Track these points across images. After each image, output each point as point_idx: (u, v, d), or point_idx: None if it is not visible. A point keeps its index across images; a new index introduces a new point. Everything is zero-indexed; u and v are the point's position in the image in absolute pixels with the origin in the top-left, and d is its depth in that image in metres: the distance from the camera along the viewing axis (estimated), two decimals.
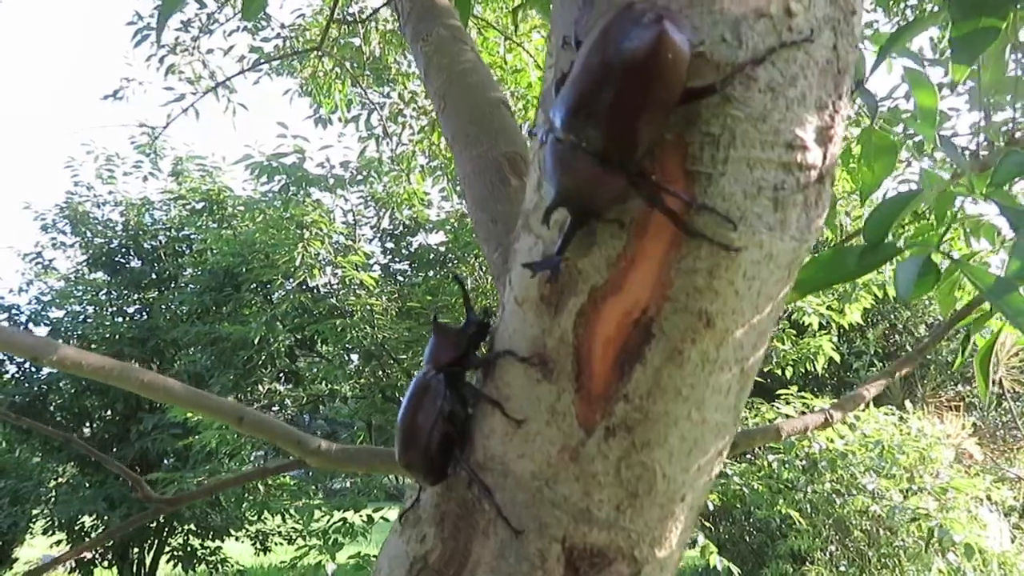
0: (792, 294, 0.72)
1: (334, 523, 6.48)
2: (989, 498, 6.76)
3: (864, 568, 6.46)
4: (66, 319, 8.07)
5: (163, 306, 8.07)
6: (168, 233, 8.36)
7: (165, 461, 7.68)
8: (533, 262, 0.61)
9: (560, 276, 0.61)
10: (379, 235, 8.11)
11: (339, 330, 6.82)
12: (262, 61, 4.60)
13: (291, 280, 7.16)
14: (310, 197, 7.62)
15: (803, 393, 6.55)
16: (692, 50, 0.55)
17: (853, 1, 0.59)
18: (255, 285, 7.37)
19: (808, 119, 0.58)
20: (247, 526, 7.57)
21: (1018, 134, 1.06)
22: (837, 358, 7.17)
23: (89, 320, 8.05)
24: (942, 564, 6.47)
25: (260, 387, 7.61)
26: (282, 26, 5.14)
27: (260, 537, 7.65)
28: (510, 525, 0.67)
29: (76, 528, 7.41)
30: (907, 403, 7.38)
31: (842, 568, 6.42)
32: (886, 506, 6.31)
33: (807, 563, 6.35)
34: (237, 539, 7.63)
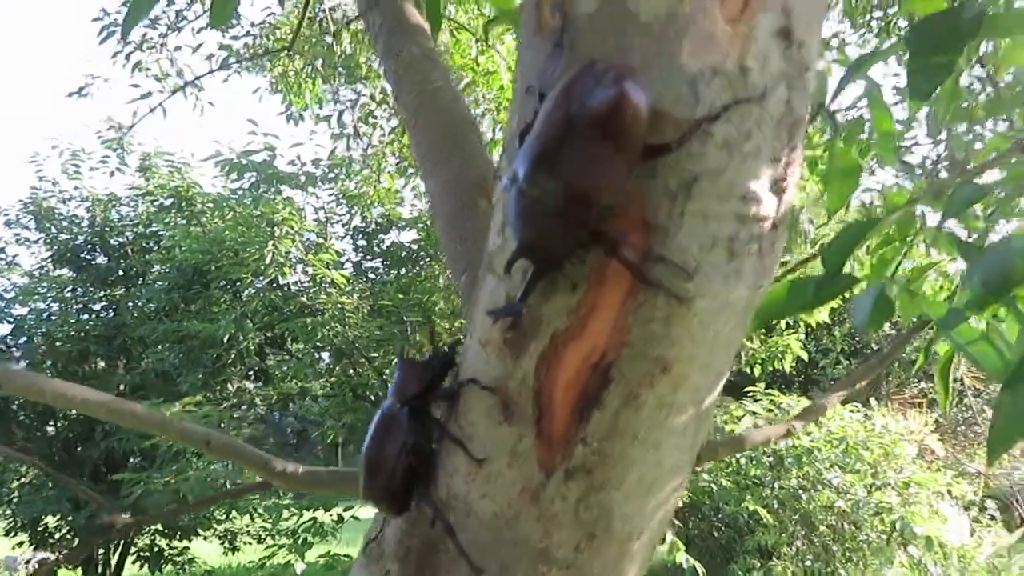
0: (752, 324, 0.74)
1: (304, 522, 6.45)
2: (950, 493, 6.91)
3: (829, 562, 6.57)
4: (30, 316, 7.93)
5: (130, 303, 7.96)
6: (135, 229, 8.24)
7: (131, 460, 7.59)
8: (496, 309, 0.62)
9: (522, 322, 0.62)
10: (350, 233, 8.07)
11: (309, 328, 6.79)
12: (232, 61, 4.55)
13: (261, 278, 7.11)
14: (280, 194, 7.56)
15: (771, 391, 6.64)
16: (651, 107, 0.56)
17: (806, 57, 0.61)
18: (224, 283, 7.30)
19: (762, 172, 0.60)
20: (215, 526, 7.50)
21: (970, 165, 1.09)
22: (805, 356, 7.26)
23: (54, 317, 7.91)
24: (904, 557, 6.60)
25: (229, 385, 7.54)
26: (252, 24, 5.09)
27: (229, 537, 7.59)
28: (471, 563, 0.68)
29: (39, 529, 7.30)
30: (872, 400, 7.50)
31: (808, 562, 6.52)
32: (850, 501, 6.42)
33: (774, 558, 6.44)
34: (205, 539, 7.57)
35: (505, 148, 0.69)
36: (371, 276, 8.14)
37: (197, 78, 4.45)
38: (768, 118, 0.59)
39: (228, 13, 1.62)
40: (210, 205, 7.65)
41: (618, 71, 0.57)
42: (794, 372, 9.24)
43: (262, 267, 6.76)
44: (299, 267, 7.25)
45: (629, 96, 0.55)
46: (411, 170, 5.54)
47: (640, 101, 0.56)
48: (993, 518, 7.35)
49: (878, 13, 4.15)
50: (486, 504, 0.68)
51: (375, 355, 7.25)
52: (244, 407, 7.68)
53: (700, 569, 5.42)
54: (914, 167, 1.29)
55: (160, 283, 7.77)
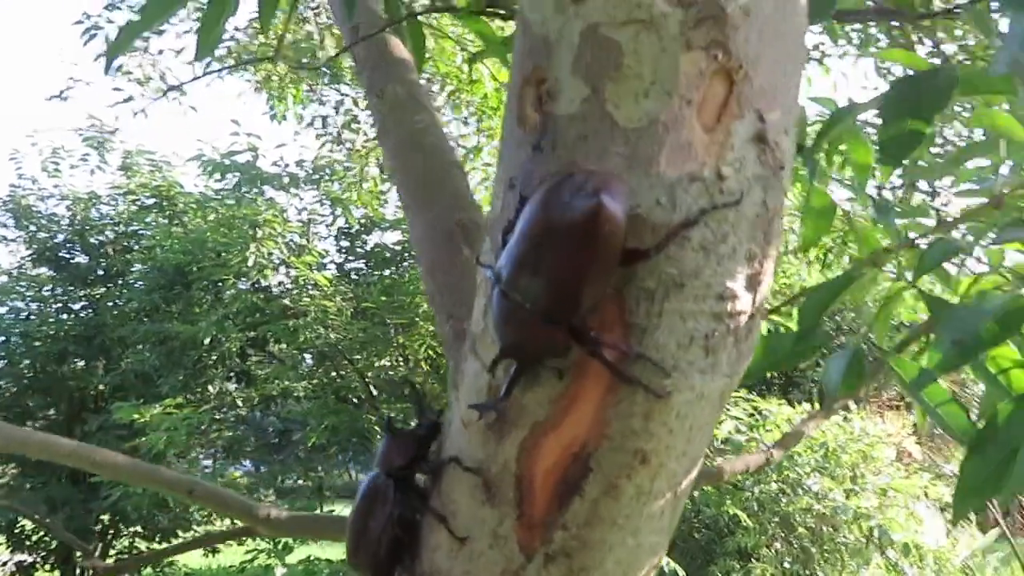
0: None
1: None
2: (926, 495, 7.01)
3: (807, 564, 6.65)
4: (7, 316, 7.85)
5: (110, 303, 7.90)
6: (116, 229, 8.17)
7: None
8: (480, 404, 0.64)
9: (505, 414, 0.63)
10: (334, 234, 8.05)
11: (292, 330, 6.76)
12: (217, 69, 4.54)
13: (243, 279, 7.08)
14: (263, 195, 7.52)
15: (752, 396, 6.69)
16: (629, 212, 0.58)
17: (781, 158, 0.63)
18: (206, 284, 7.25)
19: (738, 271, 0.62)
20: (195, 528, 7.47)
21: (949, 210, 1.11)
22: None
23: (32, 317, 7.84)
24: (881, 559, 6.70)
25: (210, 387, 7.51)
26: (236, 28, 5.06)
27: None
28: None
29: (15, 531, 7.24)
30: (851, 403, 7.57)
31: (787, 564, 6.58)
32: (829, 505, 6.50)
33: (753, 560, 6.50)
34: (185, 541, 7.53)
35: (488, 230, 0.70)
36: (354, 278, 8.12)
37: (181, 84, 4.43)
38: (744, 219, 0.61)
39: (212, 44, 1.62)
40: (192, 205, 7.60)
41: (596, 183, 0.58)
42: (774, 374, 9.31)
43: (244, 268, 6.73)
44: (282, 269, 7.22)
45: (607, 208, 0.57)
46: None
47: (617, 212, 0.57)
48: (969, 520, 7.46)
49: (857, 25, 4.19)
50: None
51: (358, 357, 7.24)
52: (225, 409, 7.65)
53: (680, 572, 5.47)
54: (890, 207, 1.32)
55: (141, 283, 7.72)
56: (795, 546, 6.64)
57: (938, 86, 0.97)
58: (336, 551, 7.25)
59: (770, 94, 0.61)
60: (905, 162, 1.23)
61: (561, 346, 0.60)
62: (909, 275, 1.22)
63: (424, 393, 6.81)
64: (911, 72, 1.14)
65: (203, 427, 6.46)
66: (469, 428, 0.70)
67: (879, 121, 0.98)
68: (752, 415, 6.68)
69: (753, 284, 0.63)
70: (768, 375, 8.47)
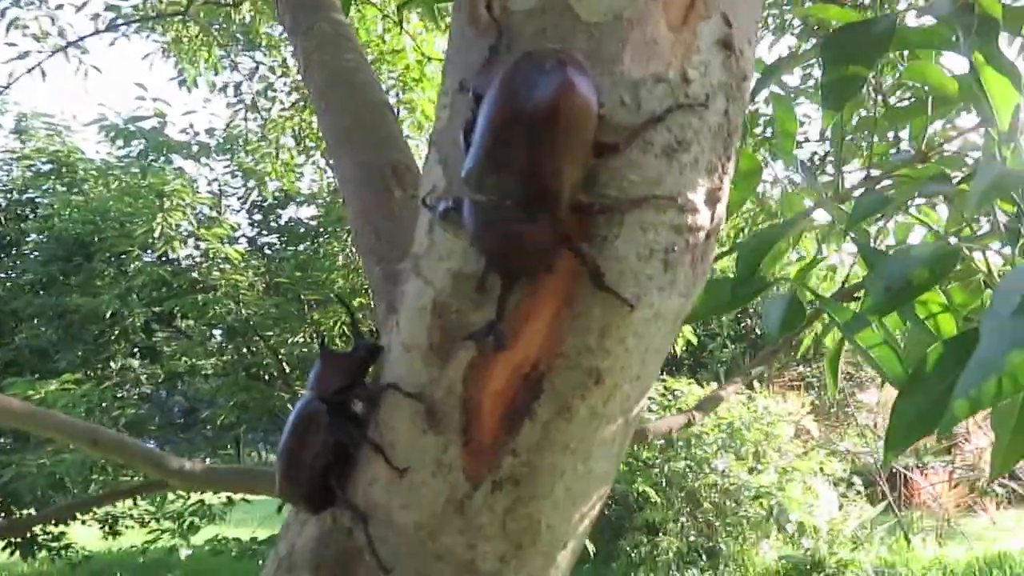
0: None
1: (190, 505, 6.22)
2: (822, 470, 7.35)
3: (711, 537, 6.88)
4: None
5: (3, 274, 7.43)
6: (9, 195, 7.68)
7: (2, 439, 7.11)
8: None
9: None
10: (246, 207, 7.79)
11: (201, 305, 6.53)
12: (120, 23, 4.26)
13: (149, 251, 6.77)
14: (171, 164, 7.21)
15: (663, 376, 6.84)
16: (597, 91, 0.55)
17: (745, 67, 0.61)
18: (108, 255, 6.91)
19: (699, 182, 0.59)
20: (95, 509, 7.12)
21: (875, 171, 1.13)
22: (695, 340, 7.49)
23: None
24: (779, 532, 6.99)
25: (112, 363, 7.17)
26: None
27: (109, 520, 7.22)
28: (379, 560, 0.66)
29: None
30: (755, 383, 7.84)
31: (692, 538, 6.79)
32: (733, 482, 6.73)
33: (660, 534, 6.66)
34: (84, 523, 7.18)
35: (434, 143, 0.66)
36: (267, 252, 7.89)
37: (80, 39, 4.15)
38: (707, 128, 0.59)
39: None
40: (93, 172, 7.20)
41: (558, 57, 0.54)
42: (684, 355, 9.54)
43: (150, 240, 6.44)
44: (191, 241, 6.95)
45: (575, 79, 0.53)
46: (313, 148, 5.37)
47: (586, 83, 0.54)
48: (859, 493, 7.87)
49: (774, 10, 4.27)
50: (408, 515, 0.65)
51: (271, 334, 7.04)
52: (128, 386, 7.33)
53: (590, 546, 5.55)
54: (812, 171, 1.34)
55: (37, 254, 7.28)
56: (700, 520, 6.85)
57: (877, 33, 0.97)
58: (246, 530, 7.07)
59: None
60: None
61: (549, 244, 0.56)
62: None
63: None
64: None
65: (104, 404, 6.15)
66: (411, 352, 0.65)
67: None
68: (664, 394, 6.83)
69: (712, 199, 0.61)
70: (679, 355, 8.69)
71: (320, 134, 5.11)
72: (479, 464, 0.62)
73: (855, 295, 1.42)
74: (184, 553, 6.16)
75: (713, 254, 0.65)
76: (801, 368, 9.72)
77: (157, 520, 6.45)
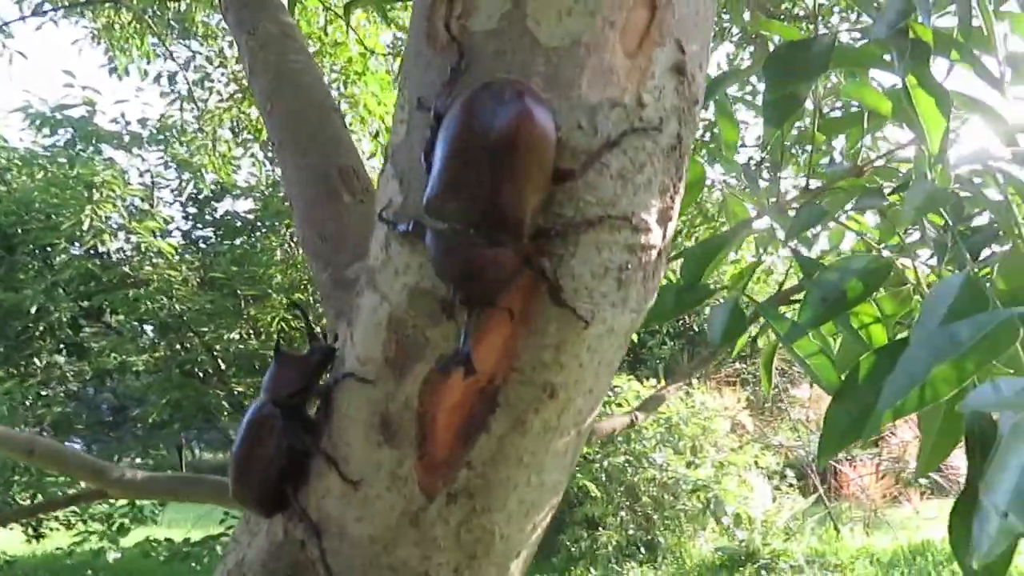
0: None
1: (120, 507, 6.04)
2: (757, 464, 7.56)
3: (649, 530, 7.01)
4: None
5: None
6: None
7: None
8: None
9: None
10: (180, 199, 7.59)
11: (132, 300, 6.33)
12: (48, 8, 4.10)
13: (77, 244, 6.54)
14: (101, 155, 6.97)
15: None
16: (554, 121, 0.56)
17: (696, 92, 0.62)
18: (33, 248, 6.65)
19: (652, 203, 0.61)
20: (21, 523, 6.85)
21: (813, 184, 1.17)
22: (635, 337, 7.56)
23: None
24: (715, 524, 7.17)
25: (37, 360, 6.91)
26: None
27: (32, 523, 6.96)
28: (331, 574, 0.66)
29: None
30: (693, 380, 7.99)
31: (631, 531, 6.90)
32: (671, 476, 6.87)
33: (600, 528, 6.76)
34: (5, 527, 6.91)
35: (390, 158, 0.66)
36: (202, 246, 7.70)
37: (5, 24, 3.98)
38: (660, 151, 0.60)
39: None
40: (17, 162, 6.92)
41: (516, 87, 0.56)
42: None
43: (78, 233, 6.21)
44: (121, 234, 6.73)
45: (534, 110, 0.54)
46: (250, 140, 5.26)
47: (544, 114, 0.55)
48: (791, 486, 8.11)
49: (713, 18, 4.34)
50: (362, 527, 0.66)
51: (205, 330, 6.88)
52: (54, 383, 7.07)
53: None
54: (755, 178, 1.38)
55: None
56: (639, 514, 6.97)
57: (818, 52, 1.01)
58: (179, 531, 6.90)
59: (689, 26, 0.60)
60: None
61: (512, 269, 0.57)
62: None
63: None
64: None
65: (28, 403, 5.93)
66: (366, 365, 0.65)
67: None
68: None
69: (664, 219, 0.63)
70: None
71: (259, 126, 5.02)
72: (434, 477, 0.63)
73: (791, 298, 1.47)
74: (112, 556, 5.97)
75: (663, 271, 0.67)
76: (737, 365, 9.95)
77: (84, 522, 6.24)
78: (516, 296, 0.59)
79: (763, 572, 6.59)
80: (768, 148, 1.61)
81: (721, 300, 1.06)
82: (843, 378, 1.01)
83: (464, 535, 0.64)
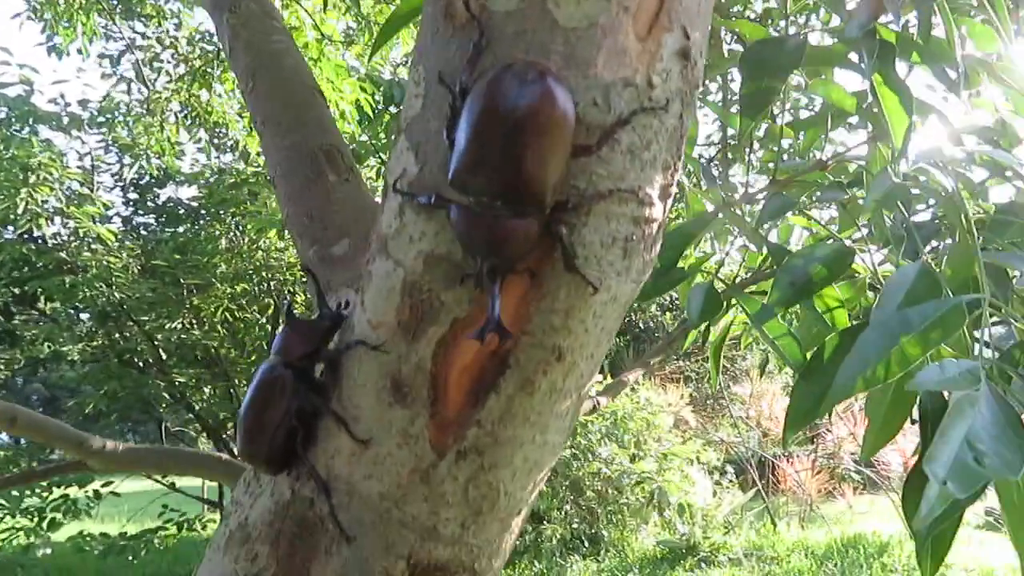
0: None
1: (52, 500, 5.86)
2: (698, 459, 7.74)
3: (593, 524, 7.12)
4: None
5: None
6: None
7: None
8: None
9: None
10: (121, 184, 7.39)
11: (69, 287, 6.15)
12: None
13: (11, 228, 6.32)
14: (37, 136, 6.74)
15: None
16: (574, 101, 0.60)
17: (697, 77, 0.67)
18: None
19: (656, 179, 0.65)
20: None
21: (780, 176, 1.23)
22: None
23: None
24: (658, 518, 7.31)
25: None
26: None
27: None
28: (341, 529, 0.69)
29: None
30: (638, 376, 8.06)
31: (575, 525, 6.98)
32: (616, 470, 6.99)
33: (545, 522, 6.82)
34: None
35: (404, 130, 0.69)
36: (143, 233, 7.52)
37: None
38: (665, 130, 0.64)
39: None
40: None
41: (538, 68, 0.59)
42: None
43: (12, 216, 6.00)
44: (58, 219, 6.52)
45: (554, 91, 0.58)
46: (198, 123, 5.16)
47: (564, 93, 0.59)
48: (731, 481, 8.33)
49: None
50: (372, 484, 0.68)
51: (146, 318, 6.72)
52: None
53: None
54: (712, 174, 1.45)
55: None
56: (583, 508, 7.06)
57: (789, 49, 1.07)
58: (114, 526, 6.73)
59: (693, 14, 0.65)
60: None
61: (536, 239, 0.60)
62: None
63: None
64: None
65: None
66: (379, 329, 0.68)
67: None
68: None
69: (664, 194, 0.67)
70: None
71: (209, 109, 4.93)
72: (445, 435, 0.66)
73: (745, 289, 1.54)
74: (43, 551, 5.79)
75: (660, 244, 0.71)
76: (680, 362, 10.17)
77: (13, 516, 6.04)
78: (530, 262, 0.62)
79: (703, 565, 6.75)
80: (728, 143, 1.67)
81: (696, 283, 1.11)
82: (808, 358, 1.08)
83: (472, 491, 0.68)
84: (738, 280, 1.41)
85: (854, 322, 1.21)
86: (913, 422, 1.10)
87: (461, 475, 0.67)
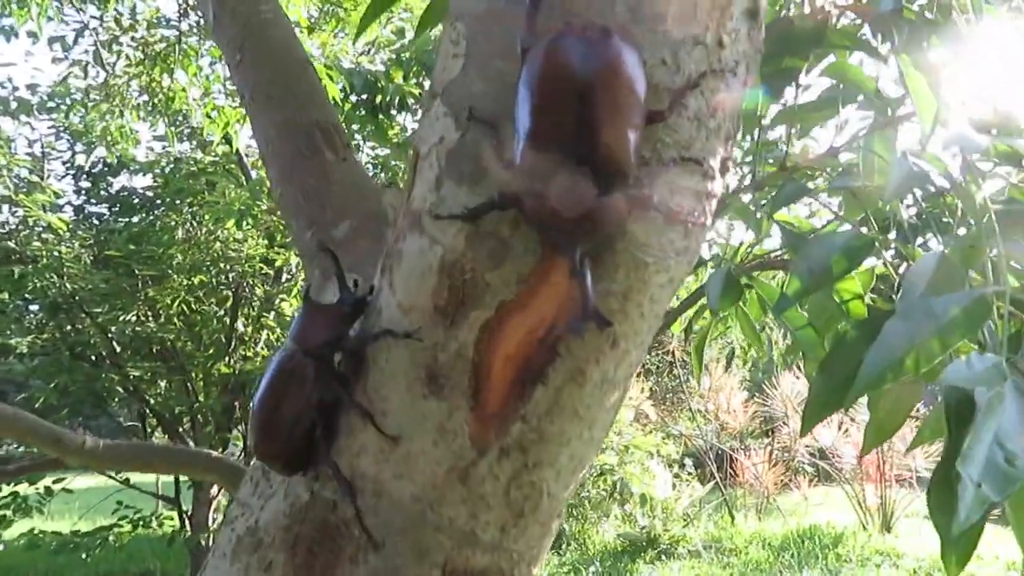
0: None
1: (2, 498, 5.65)
2: (658, 452, 7.78)
3: None
4: None
5: None
6: None
7: None
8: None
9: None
10: (72, 172, 7.13)
11: (18, 278, 5.91)
12: None
13: None
14: None
15: None
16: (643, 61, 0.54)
17: (761, 41, 0.62)
18: None
19: (719, 149, 0.60)
20: None
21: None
22: None
23: None
24: (618, 511, 7.34)
25: None
26: None
27: None
28: (369, 535, 0.62)
29: None
30: None
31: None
32: None
33: None
34: None
35: (440, 94, 0.62)
36: (96, 223, 7.27)
37: None
38: (730, 96, 0.59)
39: None
40: None
41: (599, 27, 0.53)
42: None
43: None
44: (6, 207, 6.27)
45: (622, 49, 0.52)
46: (157, 111, 4.98)
47: (632, 52, 0.53)
48: (690, 474, 8.40)
49: None
50: (402, 485, 0.62)
51: (99, 310, 6.49)
52: None
53: None
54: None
55: None
56: None
57: (810, 28, 1.03)
58: (66, 523, 6.51)
59: None
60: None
61: (626, 212, 0.54)
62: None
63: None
64: None
65: None
66: (411, 313, 0.61)
67: None
68: None
69: (724, 168, 0.62)
70: None
71: (170, 95, 4.77)
72: (487, 430, 0.60)
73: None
74: None
75: (711, 223, 0.66)
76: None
77: None
78: None
79: (663, 557, 6.79)
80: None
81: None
82: (830, 350, 1.04)
83: (513, 492, 0.61)
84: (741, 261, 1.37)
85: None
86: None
87: (503, 475, 0.61)
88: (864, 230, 1.16)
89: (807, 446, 8.97)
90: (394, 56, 4.55)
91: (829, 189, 1.24)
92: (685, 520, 7.46)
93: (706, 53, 0.56)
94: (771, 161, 1.33)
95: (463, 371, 0.60)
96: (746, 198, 1.31)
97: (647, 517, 7.23)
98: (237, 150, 6.13)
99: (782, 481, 8.84)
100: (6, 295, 6.51)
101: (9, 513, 5.62)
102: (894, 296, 1.15)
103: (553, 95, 0.53)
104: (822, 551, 6.65)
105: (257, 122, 1.15)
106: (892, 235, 1.26)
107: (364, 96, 3.97)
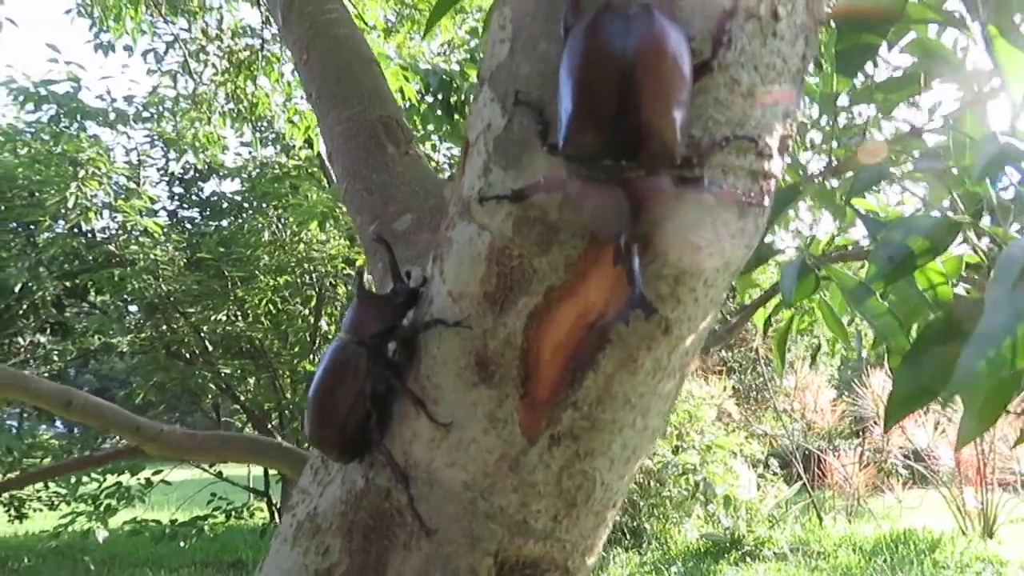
0: None
1: (107, 487, 5.96)
2: (742, 452, 7.60)
3: (635, 516, 7.02)
4: None
5: None
6: None
7: None
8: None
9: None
10: (166, 178, 7.48)
11: (118, 280, 6.23)
12: None
13: (61, 222, 6.42)
14: (86, 131, 6.85)
15: None
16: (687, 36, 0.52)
17: (820, 13, 0.59)
18: (16, 225, 6.52)
19: (776, 127, 0.57)
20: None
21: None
22: None
23: None
24: (701, 511, 7.20)
25: (20, 339, 6.79)
26: None
27: (15, 503, 6.84)
28: (421, 522, 0.62)
29: None
30: None
31: (617, 517, 6.89)
32: (658, 462, 6.88)
33: None
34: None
35: (487, 80, 0.62)
36: (188, 227, 7.60)
37: None
38: (787, 71, 0.57)
39: None
40: (0, 138, 6.78)
41: (641, 4, 0.51)
42: None
43: (63, 210, 6.09)
44: (106, 213, 6.61)
45: (665, 23, 0.50)
46: (244, 117, 5.16)
47: (676, 29, 0.51)
48: (775, 474, 8.16)
49: None
50: (454, 473, 0.62)
51: (192, 310, 6.78)
52: (37, 363, 6.95)
53: None
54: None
55: None
56: (624, 501, 6.98)
57: (888, 3, 0.98)
58: (164, 513, 6.82)
59: None
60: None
61: (672, 193, 0.52)
62: None
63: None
64: None
65: None
66: (461, 301, 0.61)
67: None
68: None
69: (783, 147, 0.59)
70: None
71: (255, 100, 4.93)
72: (537, 418, 0.59)
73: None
74: (101, 535, 5.88)
75: (770, 206, 0.63)
76: (723, 353, 9.99)
77: (68, 503, 6.15)
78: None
79: (748, 559, 6.62)
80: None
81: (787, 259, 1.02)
82: (915, 341, 0.98)
83: (565, 481, 0.60)
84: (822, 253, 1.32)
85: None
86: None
87: (554, 463, 0.60)
88: (951, 215, 1.10)
89: (901, 447, 8.62)
90: (468, 56, 4.59)
91: (912, 171, 1.18)
92: (770, 521, 7.27)
93: (759, 26, 0.54)
94: (853, 144, 1.27)
95: (512, 358, 0.59)
96: (833, 184, 1.27)
97: (731, 518, 7.07)
98: (319, 153, 6.30)
99: (873, 483, 8.51)
100: (108, 296, 6.86)
101: (113, 502, 5.92)
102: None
103: (594, 74, 0.51)
104: (918, 557, 6.36)
105: (323, 120, 1.17)
106: (986, 220, 1.19)
107: (439, 96, 4.01)
